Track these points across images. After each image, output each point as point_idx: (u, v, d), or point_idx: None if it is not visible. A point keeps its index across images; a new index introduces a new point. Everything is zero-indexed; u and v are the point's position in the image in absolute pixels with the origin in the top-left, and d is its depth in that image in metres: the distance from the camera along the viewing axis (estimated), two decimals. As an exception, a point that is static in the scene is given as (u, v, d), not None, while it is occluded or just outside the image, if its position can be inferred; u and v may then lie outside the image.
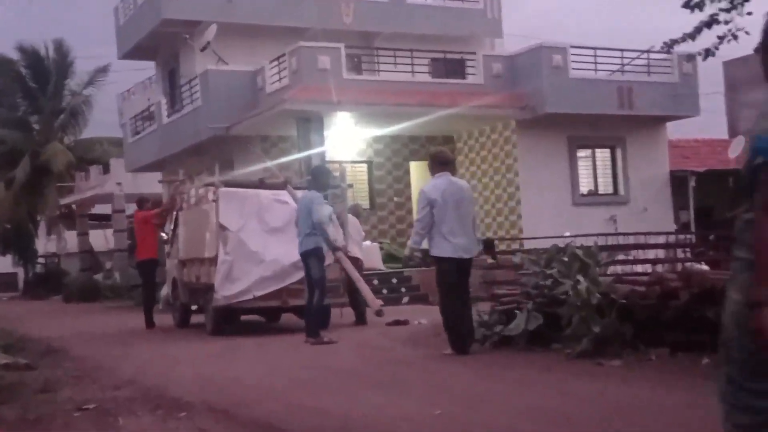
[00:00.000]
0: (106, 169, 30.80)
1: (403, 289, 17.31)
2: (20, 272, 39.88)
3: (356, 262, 12.19)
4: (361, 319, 12.30)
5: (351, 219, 12.73)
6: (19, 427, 5.81)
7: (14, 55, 32.37)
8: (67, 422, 5.90)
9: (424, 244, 8.32)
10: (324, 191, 10.55)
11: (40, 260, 39.59)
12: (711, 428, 4.77)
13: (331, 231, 10.38)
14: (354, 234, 12.63)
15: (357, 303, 12.20)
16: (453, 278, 8.20)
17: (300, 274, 10.85)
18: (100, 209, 33.46)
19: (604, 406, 5.50)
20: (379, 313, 10.60)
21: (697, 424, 4.87)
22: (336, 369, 7.89)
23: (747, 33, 8.36)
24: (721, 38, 8.38)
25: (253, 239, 11.65)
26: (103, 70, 32.66)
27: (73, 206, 32.76)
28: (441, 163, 8.37)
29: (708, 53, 8.55)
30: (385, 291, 16.49)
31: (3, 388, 7.47)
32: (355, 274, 11.00)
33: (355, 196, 18.63)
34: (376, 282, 16.30)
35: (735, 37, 8.38)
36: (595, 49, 20.09)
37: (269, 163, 15.65)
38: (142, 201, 14.83)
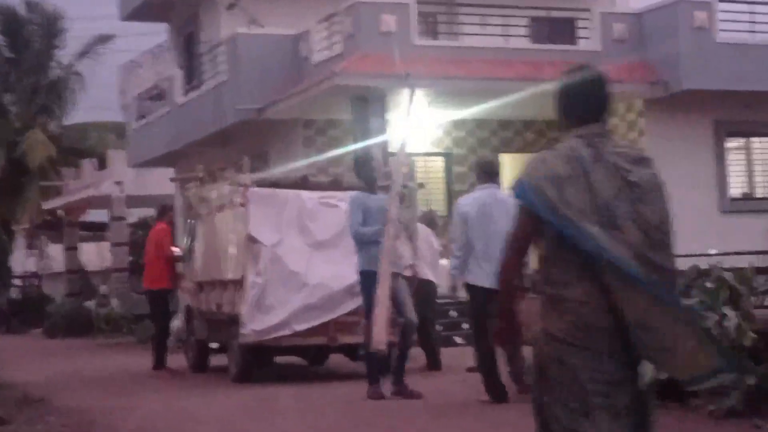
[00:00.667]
0: (103, 164, 31.22)
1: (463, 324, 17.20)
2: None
3: (428, 286, 12.20)
4: (435, 364, 12.29)
5: (422, 230, 12.74)
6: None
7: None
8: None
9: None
10: (371, 188, 10.19)
11: (17, 282, 40.30)
12: None
13: (388, 245, 10.26)
14: (425, 250, 12.63)
15: (428, 341, 12.21)
16: (485, 310, 8.70)
17: (355, 303, 10.93)
18: (94, 216, 33.91)
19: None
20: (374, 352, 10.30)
21: None
22: (395, 428, 7.89)
23: None
24: None
25: (294, 256, 11.76)
26: (105, 39, 33.08)
27: (60, 212, 33.18)
28: (486, 173, 9.32)
29: None
30: (465, 326, 16.41)
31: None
32: (382, 295, 10.46)
33: (429, 199, 18.66)
34: (454, 314, 16.22)
35: None
36: (752, 3, 19.81)
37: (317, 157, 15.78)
38: (165, 209, 15.09)
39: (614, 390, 3.68)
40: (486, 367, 8.75)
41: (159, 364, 13.93)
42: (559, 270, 3.77)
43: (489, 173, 9.33)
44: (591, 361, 3.65)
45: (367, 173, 10.20)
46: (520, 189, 3.86)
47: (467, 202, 9.20)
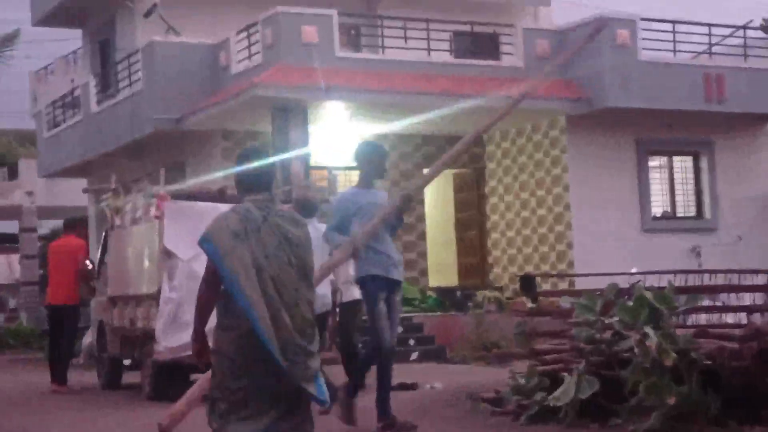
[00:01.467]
0: (12, 174, 30.80)
1: (411, 341, 17.28)
2: None
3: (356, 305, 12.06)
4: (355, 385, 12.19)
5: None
6: None
7: None
8: None
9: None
10: (368, 184, 9.49)
11: None
12: None
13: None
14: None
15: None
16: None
17: None
18: (3, 227, 33.49)
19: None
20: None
21: None
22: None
23: None
24: None
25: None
26: (10, 40, 32.68)
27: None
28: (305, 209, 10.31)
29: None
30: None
31: None
32: None
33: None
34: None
35: None
36: (673, 23, 20.16)
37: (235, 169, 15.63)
38: (73, 223, 14.87)
39: (263, 396, 5.11)
40: None
41: (59, 380, 13.70)
42: (232, 305, 5.02)
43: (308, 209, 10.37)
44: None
45: (378, 162, 9.16)
46: (203, 240, 5.10)
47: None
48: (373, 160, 9.04)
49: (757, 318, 9.64)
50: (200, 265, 11.47)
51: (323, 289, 11.52)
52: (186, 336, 11.38)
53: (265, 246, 5.13)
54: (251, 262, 5.03)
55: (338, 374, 12.47)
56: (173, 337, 11.41)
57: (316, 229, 9.94)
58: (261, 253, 5.08)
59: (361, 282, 8.67)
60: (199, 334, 5.30)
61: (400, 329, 14.49)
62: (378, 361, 8.64)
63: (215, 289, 5.15)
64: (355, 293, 12.03)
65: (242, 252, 5.03)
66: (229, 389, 5.14)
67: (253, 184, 5.34)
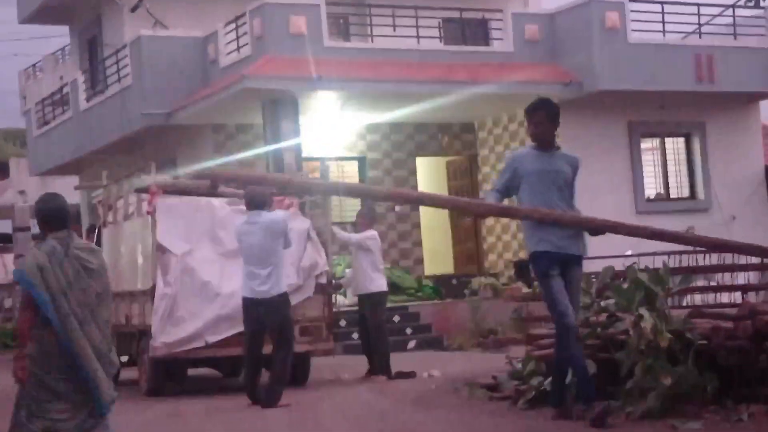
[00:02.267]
0: (4, 173, 30.78)
1: (408, 330, 17.33)
2: None
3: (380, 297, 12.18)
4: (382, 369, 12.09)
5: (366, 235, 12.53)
6: None
7: None
8: None
9: None
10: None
11: None
12: None
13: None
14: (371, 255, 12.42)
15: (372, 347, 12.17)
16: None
17: None
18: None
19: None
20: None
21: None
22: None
23: None
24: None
25: (205, 266, 11.65)
26: None
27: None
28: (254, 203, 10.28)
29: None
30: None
31: None
32: None
33: (343, 204, 18.68)
34: (343, 323, 16.05)
35: None
36: (662, 3, 20.13)
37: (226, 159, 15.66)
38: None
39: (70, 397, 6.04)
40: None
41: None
42: (40, 321, 6.04)
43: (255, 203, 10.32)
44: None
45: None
46: (20, 273, 6.30)
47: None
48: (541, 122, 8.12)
49: (751, 297, 9.70)
50: (194, 260, 11.63)
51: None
52: (182, 331, 11.46)
53: (68, 275, 6.12)
54: (58, 289, 6.04)
55: (332, 365, 12.53)
56: (170, 333, 11.44)
57: (270, 220, 10.27)
58: (65, 281, 6.08)
59: (531, 259, 7.98)
60: (19, 357, 6.08)
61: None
62: (562, 341, 7.75)
63: (32, 313, 6.05)
64: (373, 286, 12.09)
65: (50, 281, 6.05)
66: (42, 390, 6.04)
67: (53, 224, 6.22)
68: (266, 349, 10.69)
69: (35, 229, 31.82)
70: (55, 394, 6.01)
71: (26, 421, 5.96)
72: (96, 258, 6.37)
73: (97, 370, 6.01)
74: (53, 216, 6.22)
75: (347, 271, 14.67)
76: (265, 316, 10.10)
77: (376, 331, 12.05)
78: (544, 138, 8.04)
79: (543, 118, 8.06)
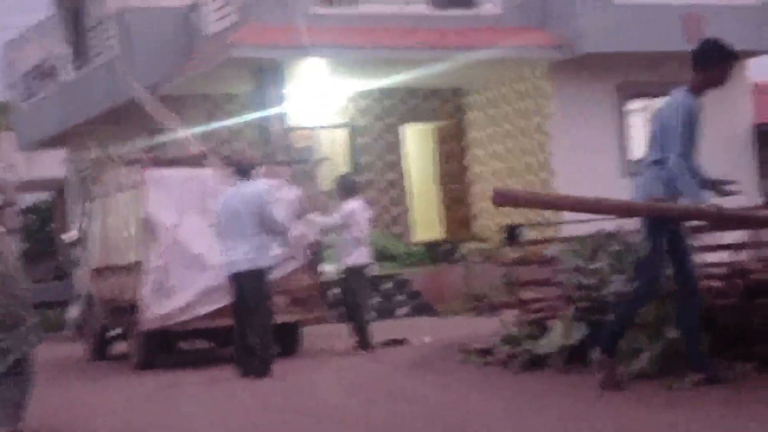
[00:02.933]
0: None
1: (399, 296, 17.38)
2: None
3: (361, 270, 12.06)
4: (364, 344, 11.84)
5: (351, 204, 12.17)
6: None
7: None
8: None
9: None
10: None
11: None
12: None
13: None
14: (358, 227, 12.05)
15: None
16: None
17: None
18: (-16, 202, 33.35)
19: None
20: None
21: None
22: (312, 411, 7.90)
23: None
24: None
25: (195, 238, 11.64)
26: None
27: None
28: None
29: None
30: (376, 300, 16.52)
31: None
32: None
33: (333, 171, 18.65)
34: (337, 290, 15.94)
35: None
36: (650, -36, 20.11)
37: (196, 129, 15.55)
38: None
39: None
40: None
41: None
42: None
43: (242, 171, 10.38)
44: None
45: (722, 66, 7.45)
46: None
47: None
48: (715, 61, 7.33)
49: (741, 256, 9.71)
50: (184, 232, 11.60)
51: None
52: (173, 302, 11.47)
53: None
54: None
55: (325, 334, 12.57)
56: (161, 304, 11.45)
57: (255, 186, 10.37)
58: None
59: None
60: None
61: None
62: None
63: None
64: (362, 258, 11.97)
65: None
66: None
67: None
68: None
69: (23, 204, 31.88)
70: None
71: None
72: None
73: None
74: None
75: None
76: (243, 288, 10.14)
77: (351, 304, 11.91)
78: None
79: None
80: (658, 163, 7.08)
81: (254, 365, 10.05)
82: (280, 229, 10.34)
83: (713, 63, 7.15)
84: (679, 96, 7.24)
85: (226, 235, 10.30)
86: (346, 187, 12.15)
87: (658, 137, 7.27)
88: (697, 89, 7.19)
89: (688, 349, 7.16)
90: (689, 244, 7.46)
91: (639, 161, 7.39)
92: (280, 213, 10.50)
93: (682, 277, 7.18)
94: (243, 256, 10.11)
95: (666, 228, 7.02)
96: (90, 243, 14.06)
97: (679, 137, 7.06)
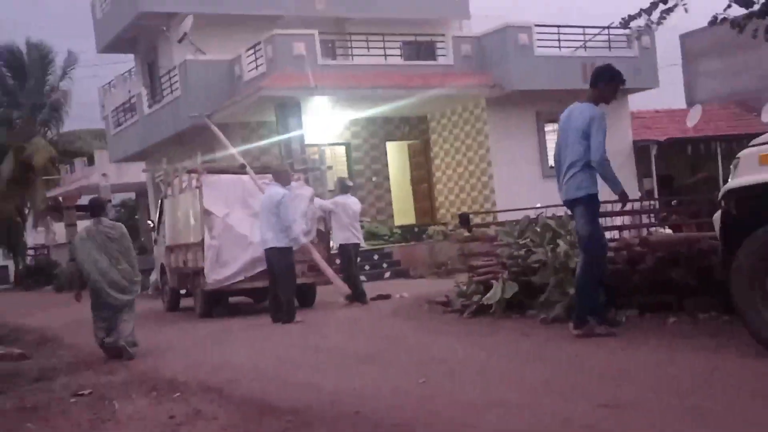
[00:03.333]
0: (91, 161, 30.54)
1: (384, 265, 17.38)
2: (11, 265, 39.52)
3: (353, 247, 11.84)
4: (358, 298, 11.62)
5: (344, 200, 11.91)
6: (16, 416, 5.78)
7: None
8: (64, 409, 5.88)
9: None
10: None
11: (30, 252, 39.23)
12: (682, 386, 4.85)
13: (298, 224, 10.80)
14: (347, 216, 11.83)
15: (355, 281, 11.73)
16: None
17: None
18: (86, 200, 33.22)
19: (579, 368, 5.58)
20: (348, 298, 10.87)
21: (667, 382, 4.95)
22: (324, 346, 7.91)
23: (685, 11, 8.36)
24: (668, 10, 8.37)
25: (240, 223, 11.60)
26: (74, 61, 32.39)
27: (60, 199, 32.48)
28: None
29: (660, 21, 8.56)
30: (367, 267, 16.52)
31: (0, 378, 7.44)
32: (322, 263, 11.20)
33: (335, 176, 18.60)
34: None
35: (686, 9, 8.40)
36: (558, 27, 20.09)
37: (240, 148, 15.52)
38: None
39: (108, 309, 8.32)
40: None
41: None
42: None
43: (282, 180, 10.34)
44: None
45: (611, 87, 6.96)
46: (71, 242, 8.61)
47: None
48: (607, 80, 6.88)
49: (625, 234, 9.76)
50: (232, 219, 11.56)
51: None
52: (225, 271, 11.44)
53: (97, 242, 8.10)
54: (90, 250, 8.07)
55: (332, 292, 12.56)
56: (217, 273, 11.43)
57: (277, 191, 10.25)
58: (95, 245, 8.09)
59: (591, 198, 6.76)
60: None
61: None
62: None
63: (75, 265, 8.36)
64: (352, 239, 11.87)
65: (86, 246, 8.11)
66: (96, 310, 8.31)
67: (92, 215, 8.29)
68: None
69: (114, 201, 31.60)
70: (102, 311, 8.33)
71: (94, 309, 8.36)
72: (116, 231, 8.27)
73: (117, 293, 8.21)
74: (92, 211, 8.34)
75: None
76: (272, 260, 10.21)
77: (347, 270, 11.75)
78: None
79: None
80: (581, 165, 6.70)
81: (282, 314, 10.05)
82: (286, 224, 10.25)
83: (605, 82, 6.80)
84: (587, 108, 6.74)
85: (262, 222, 10.35)
86: (341, 186, 12.19)
87: (577, 143, 6.70)
88: (595, 102, 6.77)
89: (579, 305, 6.77)
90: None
91: (572, 163, 6.88)
92: (288, 212, 10.31)
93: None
94: (271, 237, 10.12)
95: (598, 214, 6.82)
96: (163, 229, 14.03)
97: (602, 143, 6.61)
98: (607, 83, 6.83)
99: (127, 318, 8.28)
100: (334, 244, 12.03)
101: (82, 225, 9.47)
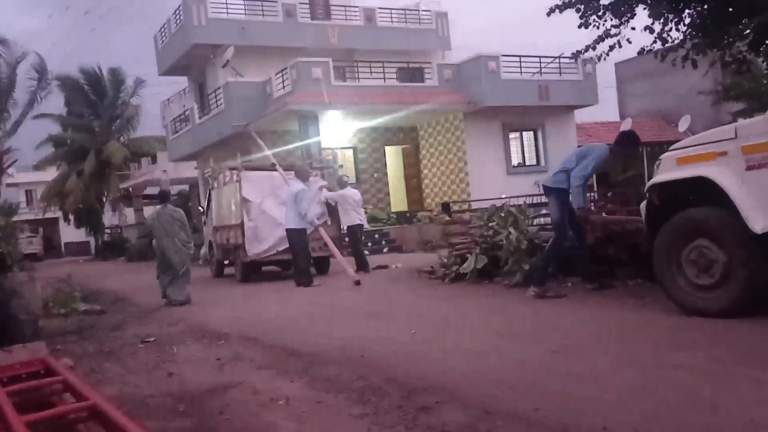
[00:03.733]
0: (154, 160, 30.49)
1: (383, 242, 17.37)
2: (92, 241, 39.57)
3: (359, 226, 11.79)
4: (363, 266, 11.56)
5: (350, 191, 12.00)
6: (97, 357, 5.81)
7: (78, 76, 31.83)
8: (134, 352, 5.91)
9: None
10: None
11: (107, 231, 39.22)
12: (615, 335, 4.86)
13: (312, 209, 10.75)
14: (355, 203, 11.85)
15: (359, 254, 11.72)
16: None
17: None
18: (150, 191, 33.16)
19: (535, 322, 5.59)
20: (357, 283, 10.77)
21: (604, 333, 4.97)
22: (336, 304, 7.92)
23: (629, 42, 8.40)
24: (611, 47, 8.41)
25: (272, 209, 11.58)
26: (141, 83, 32.40)
27: (130, 189, 32.50)
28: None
29: (600, 58, 8.59)
30: (369, 244, 16.50)
31: (84, 328, 7.46)
32: (335, 250, 11.01)
33: (345, 174, 18.58)
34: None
35: (620, 45, 8.42)
36: (520, 57, 20.00)
37: (271, 151, 15.44)
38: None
39: (171, 269, 9.10)
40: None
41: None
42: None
43: (302, 176, 9.97)
44: None
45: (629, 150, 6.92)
46: (148, 219, 9.55)
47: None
48: (626, 146, 6.79)
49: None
50: (265, 206, 11.53)
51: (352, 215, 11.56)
52: (262, 246, 11.40)
53: (164, 220, 8.85)
54: (161, 226, 8.77)
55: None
56: (255, 247, 11.42)
57: (297, 186, 10.24)
58: (162, 222, 8.77)
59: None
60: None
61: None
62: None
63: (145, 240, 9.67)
64: (355, 221, 11.84)
65: (156, 223, 8.86)
66: (161, 271, 9.07)
67: (161, 201, 9.15)
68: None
69: (173, 192, 31.51)
70: (167, 271, 9.07)
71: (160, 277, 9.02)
72: (177, 212, 9.08)
73: (181, 258, 8.98)
74: (160, 198, 9.29)
75: None
76: (291, 238, 10.26)
77: (351, 246, 11.81)
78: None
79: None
80: (566, 171, 6.70)
81: (302, 280, 10.06)
82: (302, 211, 10.26)
83: (625, 143, 6.76)
84: (603, 148, 6.76)
85: (286, 209, 10.35)
86: (340, 183, 12.28)
87: (574, 159, 6.71)
88: (612, 152, 6.71)
89: (539, 271, 6.86)
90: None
91: (562, 168, 6.87)
92: (303, 202, 10.22)
93: (576, 233, 6.82)
94: (291, 220, 10.13)
95: (567, 208, 6.71)
96: (210, 213, 14.00)
97: (590, 169, 6.58)
98: (631, 147, 6.81)
99: (184, 280, 9.17)
100: (343, 226, 12.04)
101: (149, 210, 9.87)
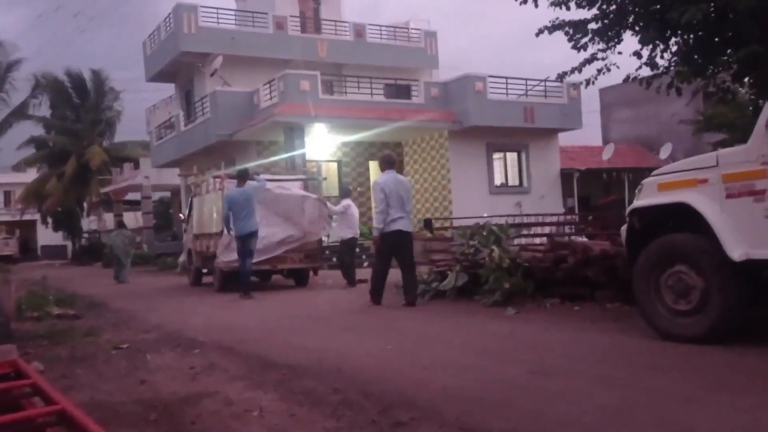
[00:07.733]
0: (137, 166, 30.26)
1: (363, 256, 17.31)
2: (69, 245, 39.04)
3: (353, 240, 11.62)
4: (351, 282, 11.39)
5: (345, 203, 11.75)
6: (69, 362, 5.70)
7: (63, 77, 31.58)
8: (107, 359, 5.81)
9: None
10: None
11: (85, 235, 38.74)
12: (593, 357, 4.87)
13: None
14: (351, 215, 11.62)
15: (348, 269, 11.49)
16: (391, 248, 8.19)
17: (282, 249, 11.00)
18: (131, 196, 32.87)
19: (513, 341, 5.58)
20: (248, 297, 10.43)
21: (581, 354, 4.97)
22: (314, 317, 7.86)
23: (617, 67, 8.51)
24: (599, 71, 8.51)
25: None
26: (123, 87, 32.35)
27: (111, 194, 32.17)
28: (387, 163, 8.31)
29: (588, 82, 8.69)
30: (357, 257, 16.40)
31: (57, 333, 7.32)
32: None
33: (328, 186, 18.58)
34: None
35: (609, 69, 8.52)
36: (506, 78, 20.21)
37: (255, 162, 15.45)
38: None
39: None
40: (379, 284, 8.31)
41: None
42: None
43: (389, 162, 8.25)
44: None
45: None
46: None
47: (383, 180, 8.06)
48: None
49: (553, 240, 9.81)
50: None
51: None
52: (233, 256, 11.28)
53: (120, 238, 9.87)
54: (120, 241, 9.18)
55: (321, 276, 12.48)
56: (227, 257, 11.33)
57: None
58: (120, 239, 9.48)
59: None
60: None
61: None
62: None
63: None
64: (350, 234, 11.59)
65: (116, 240, 9.24)
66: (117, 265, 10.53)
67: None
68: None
69: (154, 197, 31.28)
70: None
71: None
72: (130, 236, 10.64)
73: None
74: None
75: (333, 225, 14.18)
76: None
77: (343, 260, 11.73)
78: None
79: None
80: None
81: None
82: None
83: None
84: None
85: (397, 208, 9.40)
86: (344, 191, 12.20)
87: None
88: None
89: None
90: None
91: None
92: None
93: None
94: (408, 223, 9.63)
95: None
96: (191, 220, 13.89)
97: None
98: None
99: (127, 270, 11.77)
100: (338, 238, 11.88)
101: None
